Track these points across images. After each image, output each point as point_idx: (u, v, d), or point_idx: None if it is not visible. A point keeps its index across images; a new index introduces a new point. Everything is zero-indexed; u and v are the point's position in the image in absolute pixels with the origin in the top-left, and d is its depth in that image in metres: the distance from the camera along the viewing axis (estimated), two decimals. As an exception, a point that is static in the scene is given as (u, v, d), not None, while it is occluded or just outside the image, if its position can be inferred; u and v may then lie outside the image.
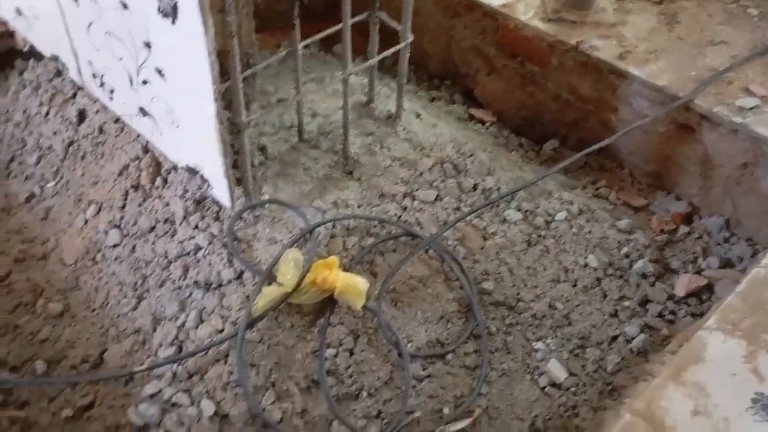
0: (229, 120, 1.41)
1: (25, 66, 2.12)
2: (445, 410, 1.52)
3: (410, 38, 1.76)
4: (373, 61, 1.76)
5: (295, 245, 1.56)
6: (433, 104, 2.39)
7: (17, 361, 1.59)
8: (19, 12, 1.92)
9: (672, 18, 2.26)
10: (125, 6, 1.40)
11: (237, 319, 1.49)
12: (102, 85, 1.72)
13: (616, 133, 2.13)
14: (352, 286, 1.47)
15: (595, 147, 1.92)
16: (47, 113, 1.97)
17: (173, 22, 1.28)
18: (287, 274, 1.46)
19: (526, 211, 1.84)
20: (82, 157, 1.87)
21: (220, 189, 1.54)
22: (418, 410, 1.50)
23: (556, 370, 1.60)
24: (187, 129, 1.49)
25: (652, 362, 1.62)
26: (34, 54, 2.08)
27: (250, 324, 1.45)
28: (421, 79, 2.60)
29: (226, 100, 1.39)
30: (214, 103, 1.32)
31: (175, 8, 1.24)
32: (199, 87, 1.34)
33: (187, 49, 1.29)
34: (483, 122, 2.39)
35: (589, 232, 1.85)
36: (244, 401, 1.40)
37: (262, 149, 1.79)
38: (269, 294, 1.45)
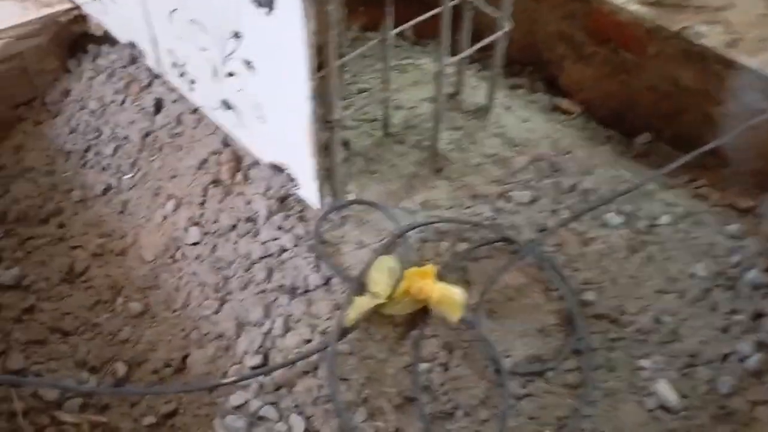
0: (320, 116, 1.31)
1: (98, 51, 2.06)
2: (546, 432, 1.41)
3: (509, 27, 1.62)
4: (469, 51, 1.64)
5: (385, 250, 1.46)
6: (514, 93, 2.25)
7: (97, 361, 1.55)
8: (94, -4, 1.86)
9: (785, 2, 2.06)
10: (214, -8, 1.31)
11: (326, 328, 1.41)
12: (182, 75, 1.64)
13: (718, 128, 1.96)
14: (449, 297, 1.37)
15: (710, 146, 1.76)
16: (123, 101, 1.91)
17: (269, 11, 1.17)
18: (380, 283, 1.37)
19: (627, 213, 1.70)
20: (160, 149, 1.81)
21: (307, 188, 1.44)
22: (518, 432, 1.39)
23: (666, 392, 1.47)
24: (275, 125, 1.40)
25: (768, 384, 1.48)
26: (108, 39, 2.02)
27: (341, 335, 1.36)
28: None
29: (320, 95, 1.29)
30: (310, 101, 1.22)
31: (273, -2, 1.14)
32: (292, 82, 1.24)
33: (283, 41, 1.19)
34: (569, 113, 2.24)
35: (696, 237, 1.69)
36: (336, 418, 1.32)
37: (345, 144, 1.69)
38: (362, 304, 1.35)
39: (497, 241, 1.55)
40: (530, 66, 2.43)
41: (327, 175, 1.49)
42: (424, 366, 1.40)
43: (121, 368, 1.52)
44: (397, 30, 1.55)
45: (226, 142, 1.68)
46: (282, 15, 1.16)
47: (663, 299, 1.60)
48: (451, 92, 1.82)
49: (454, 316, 1.39)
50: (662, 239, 1.67)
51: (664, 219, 1.70)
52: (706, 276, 1.63)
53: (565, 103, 2.28)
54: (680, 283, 1.62)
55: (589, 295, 1.56)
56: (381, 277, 1.37)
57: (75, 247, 1.77)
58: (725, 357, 1.55)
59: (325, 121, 1.32)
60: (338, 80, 1.54)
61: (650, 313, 1.58)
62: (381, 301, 1.36)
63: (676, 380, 1.50)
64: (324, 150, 1.40)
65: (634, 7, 2.00)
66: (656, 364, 1.52)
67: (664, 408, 1.47)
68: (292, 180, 1.48)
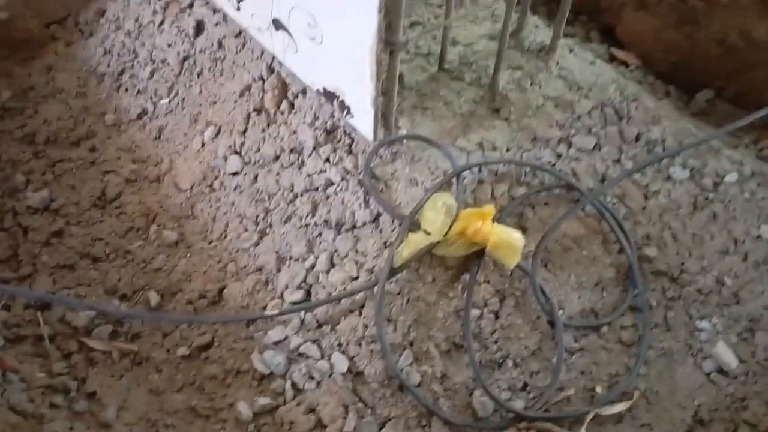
0: (384, 38, 1.21)
1: (136, -31, 1.95)
2: (598, 389, 1.34)
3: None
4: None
5: (439, 189, 1.37)
6: (572, 42, 2.12)
7: (129, 289, 1.48)
8: None
9: None
10: None
11: (373, 266, 1.33)
12: (230, -8, 1.53)
13: (788, 86, 1.85)
14: (508, 241, 1.28)
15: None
16: (161, 23, 1.81)
17: None
18: (435, 221, 1.28)
19: (693, 168, 1.59)
20: (199, 74, 1.71)
21: (361, 118, 1.35)
22: (570, 387, 1.32)
23: (725, 355, 1.39)
24: (332, 46, 1.30)
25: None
26: (146, -44, 1.90)
27: (391, 274, 1.28)
28: (552, 12, 2.31)
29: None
30: (377, 15, 1.11)
31: None
32: (359, -4, 1.14)
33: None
34: (626, 65, 2.12)
35: (763, 198, 1.59)
36: (381, 360, 1.25)
37: (399, 78, 1.58)
38: (416, 242, 1.27)
39: (558, 188, 1.46)
40: (585, 15, 2.29)
41: (383, 105, 1.39)
42: (474, 312, 1.33)
43: (153, 297, 1.45)
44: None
45: (272, 68, 1.58)
46: None
47: (726, 260, 1.51)
48: (512, 30, 1.70)
49: (511, 261, 1.30)
50: (728, 198, 1.57)
51: (730, 177, 1.60)
52: (771, 239, 1.54)
53: (622, 54, 2.15)
54: (744, 245, 1.53)
55: (650, 251, 1.47)
56: (436, 216, 1.28)
57: (107, 172, 1.70)
58: (787, 324, 1.47)
59: (386, 42, 1.22)
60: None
61: (712, 273, 1.49)
62: (436, 239, 1.28)
63: (735, 344, 1.42)
64: (384, 75, 1.30)
65: (710, -49, 1.86)
66: (715, 326, 1.44)
67: (722, 372, 1.39)
68: (344, 108, 1.38)
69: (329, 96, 1.40)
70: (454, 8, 1.58)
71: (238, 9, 1.55)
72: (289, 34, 1.41)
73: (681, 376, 1.38)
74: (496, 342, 1.32)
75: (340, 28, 1.25)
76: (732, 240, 1.53)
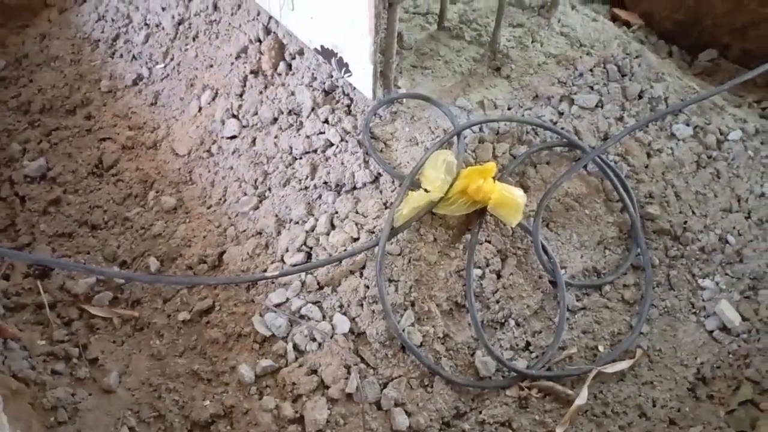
0: (380, -9, 1.18)
1: (128, -68, 1.90)
2: (600, 348, 1.34)
3: None
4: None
5: (439, 148, 1.35)
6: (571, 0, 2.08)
7: (128, 256, 1.47)
8: None
9: None
10: None
11: (374, 227, 1.32)
12: (224, -50, 1.50)
13: (793, 43, 1.81)
14: (511, 199, 1.27)
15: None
16: (155, -14, 1.77)
17: None
18: (436, 179, 1.26)
19: (696, 126, 1.57)
20: (195, 37, 1.68)
21: (360, 75, 1.32)
22: (572, 346, 1.32)
23: (728, 313, 1.39)
24: (329, 0, 1.26)
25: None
26: None
27: (392, 234, 1.27)
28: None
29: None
30: (374, -33, 1.08)
31: None
32: (354, -53, 1.11)
33: None
34: (628, 24, 2.08)
35: (766, 156, 1.57)
36: (383, 320, 1.24)
37: (397, 37, 1.55)
38: (416, 200, 1.26)
39: (559, 146, 1.44)
40: (586, -26, 2.25)
41: (382, 62, 1.36)
42: (476, 272, 1.32)
43: (153, 263, 1.44)
44: None
45: (268, 29, 1.55)
46: None
47: (729, 218, 1.49)
48: (511, -13, 1.67)
49: (513, 220, 1.29)
50: (731, 155, 1.55)
51: (734, 135, 1.58)
52: (776, 197, 1.52)
53: (624, 14, 2.11)
54: (748, 203, 1.51)
55: (652, 209, 1.46)
56: (436, 174, 1.27)
57: (104, 140, 1.68)
58: (791, 282, 1.46)
59: (385, -4, 1.19)
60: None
61: (715, 231, 1.48)
62: (436, 197, 1.26)
63: (738, 302, 1.41)
64: (382, 30, 1.27)
65: None
66: (718, 284, 1.43)
67: (724, 329, 1.39)
68: (343, 66, 1.35)
69: (327, 54, 1.37)
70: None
71: (232, -31, 1.52)
72: (285, -8, 1.38)
73: (683, 334, 1.38)
74: (498, 302, 1.31)
75: (337, -18, 1.23)
76: (735, 198, 1.52)
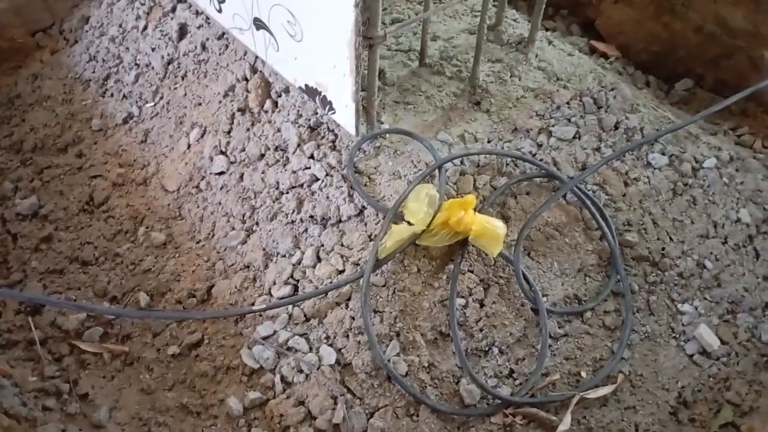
0: (362, 33, 1.23)
1: (118, -24, 1.97)
2: (583, 374, 1.36)
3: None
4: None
5: (422, 181, 1.39)
6: (551, 35, 2.15)
7: (118, 291, 1.50)
8: None
9: None
10: None
11: (359, 259, 1.35)
12: (211, -6, 1.55)
13: (765, 72, 1.87)
14: (491, 230, 1.30)
15: (753, 88, 1.67)
16: (145, 28, 1.83)
17: None
18: (419, 212, 1.30)
19: (672, 155, 1.62)
20: (183, 77, 1.73)
21: (343, 113, 1.37)
22: (555, 372, 1.34)
23: (708, 337, 1.42)
24: (312, 42, 1.32)
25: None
26: (128, -38, 1.92)
27: (376, 266, 1.30)
28: (531, 5, 2.34)
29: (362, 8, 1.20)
30: (354, 10, 1.13)
31: None
32: (334, -9, 1.16)
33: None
34: (606, 56, 2.15)
35: (741, 183, 1.62)
36: (368, 350, 1.27)
37: (380, 74, 1.61)
38: (400, 233, 1.29)
39: (538, 177, 1.48)
40: (565, 9, 2.32)
41: (364, 100, 1.41)
42: (459, 301, 1.35)
43: (143, 298, 1.46)
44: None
45: (255, 68, 1.60)
46: None
47: (706, 244, 1.53)
48: (490, 24, 1.73)
49: (494, 250, 1.33)
50: (707, 183, 1.60)
51: (709, 162, 1.62)
52: (751, 222, 1.56)
53: (602, 46, 2.18)
54: (724, 229, 1.56)
55: (631, 237, 1.50)
56: (419, 207, 1.30)
57: (95, 177, 1.71)
58: (767, 305, 1.49)
59: (365, 37, 1.24)
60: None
61: (692, 257, 1.51)
62: (419, 230, 1.30)
63: (717, 326, 1.45)
64: (364, 69, 1.32)
65: (685, -58, 1.88)
66: (697, 309, 1.47)
67: (704, 353, 1.42)
68: (326, 104, 1.40)
69: (311, 92, 1.42)
70: (432, 2, 1.60)
71: (220, 10, 1.57)
72: (270, 32, 1.43)
73: (664, 358, 1.41)
74: (481, 330, 1.34)
75: (319, 24, 1.28)
76: (712, 224, 1.56)
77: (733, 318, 1.47)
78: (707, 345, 1.41)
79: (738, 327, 1.46)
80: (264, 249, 1.44)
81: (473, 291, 1.36)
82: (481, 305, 1.36)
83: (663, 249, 1.51)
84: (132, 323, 1.42)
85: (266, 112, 1.57)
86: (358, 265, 1.35)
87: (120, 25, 1.89)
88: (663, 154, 1.61)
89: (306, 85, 1.42)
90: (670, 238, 1.53)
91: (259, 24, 1.45)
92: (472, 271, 1.38)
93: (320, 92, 1.39)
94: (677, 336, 1.44)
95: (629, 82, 2.03)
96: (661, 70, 2.11)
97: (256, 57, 1.59)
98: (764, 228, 1.57)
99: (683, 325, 1.45)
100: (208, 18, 1.70)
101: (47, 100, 1.90)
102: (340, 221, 1.41)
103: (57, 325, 1.42)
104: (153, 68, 1.78)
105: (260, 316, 1.35)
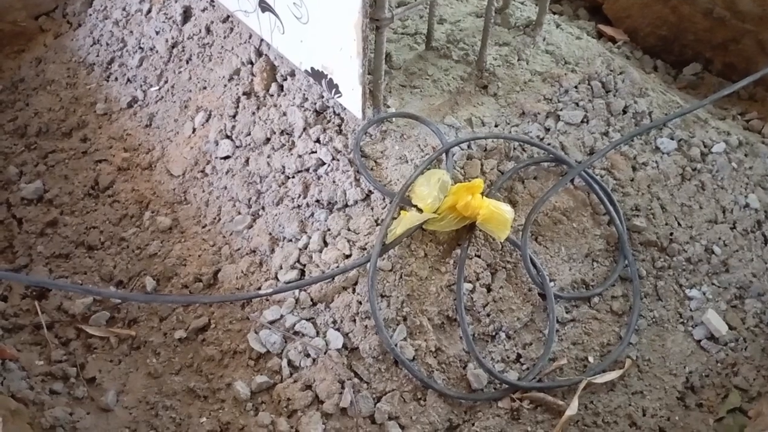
0: (369, 14, 1.21)
1: (122, -42, 1.95)
2: (590, 359, 1.36)
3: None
4: (522, -44, 1.52)
5: (430, 166, 1.38)
6: (559, 18, 2.13)
7: (124, 276, 1.49)
8: None
9: None
10: None
11: (366, 244, 1.35)
12: (215, -24, 1.53)
13: (774, 56, 1.86)
14: (499, 214, 1.29)
15: (762, 73, 1.65)
16: (149, 11, 1.81)
17: None
18: (428, 197, 1.29)
19: (681, 140, 1.61)
20: (188, 60, 1.71)
21: (350, 96, 1.36)
22: (562, 357, 1.34)
23: (716, 322, 1.41)
24: (318, 24, 1.30)
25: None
26: (132, -56, 1.90)
27: (383, 250, 1.30)
28: (540, -10, 2.32)
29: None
30: (361, -10, 1.12)
31: None
32: (342, -27, 1.14)
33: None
34: (613, 41, 2.13)
35: (750, 168, 1.61)
36: (375, 335, 1.27)
37: (386, 57, 1.59)
38: (410, 220, 1.28)
39: (546, 161, 1.47)
40: (572, -8, 2.30)
41: (370, 83, 1.39)
42: (467, 286, 1.34)
43: (149, 282, 1.46)
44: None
45: (260, 52, 1.58)
46: None
47: (714, 229, 1.52)
48: (498, 7, 1.71)
49: (502, 234, 1.32)
50: (716, 168, 1.59)
51: (718, 147, 1.61)
52: (759, 207, 1.55)
53: (609, 30, 2.16)
54: (733, 214, 1.55)
55: (639, 222, 1.49)
56: (429, 191, 1.29)
57: (100, 161, 1.70)
58: (776, 291, 1.49)
59: (372, 19, 1.23)
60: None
61: (701, 242, 1.51)
62: (429, 216, 1.29)
63: (725, 311, 1.44)
64: (371, 52, 1.30)
65: (694, -77, 1.86)
66: (705, 294, 1.46)
67: (712, 339, 1.41)
68: (333, 87, 1.38)
69: (317, 75, 1.41)
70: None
71: (224, -7, 1.55)
72: (276, 14, 1.42)
73: (672, 343, 1.40)
74: (488, 315, 1.34)
75: (326, 5, 1.26)
76: (720, 209, 1.55)
77: (741, 303, 1.47)
78: (715, 330, 1.40)
79: (746, 312, 1.45)
80: (270, 233, 1.44)
81: (480, 276, 1.35)
82: (489, 290, 1.36)
83: (671, 234, 1.50)
84: (138, 307, 1.42)
85: (272, 95, 1.55)
86: (364, 249, 1.34)
87: (124, 9, 1.87)
88: (672, 138, 1.60)
89: (312, 68, 1.41)
90: (679, 224, 1.52)
91: (264, 6, 1.43)
92: (479, 256, 1.37)
93: (326, 75, 1.37)
94: (685, 321, 1.44)
95: (637, 66, 2.01)
96: (668, 54, 2.09)
97: (261, 40, 1.57)
98: (773, 213, 1.56)
99: (691, 310, 1.45)
100: (212, 0, 1.69)
101: (51, 84, 1.88)
102: (346, 206, 1.40)
103: (63, 309, 1.42)
104: (157, 52, 1.77)
105: (267, 300, 1.35)
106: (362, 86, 1.30)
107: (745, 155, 1.63)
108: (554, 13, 2.15)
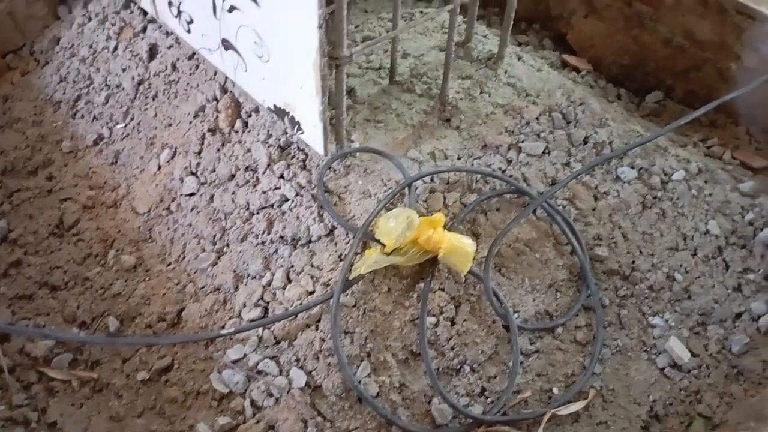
0: (327, 53, 1.23)
1: (89, -4, 1.96)
2: (555, 390, 1.37)
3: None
4: (480, -7, 1.55)
5: (392, 200, 1.39)
6: (521, 50, 2.17)
7: (88, 316, 1.48)
8: (85, -65, 1.76)
9: (808, -49, 1.98)
10: None
11: (329, 279, 1.35)
12: (179, 14, 1.55)
13: (733, 84, 1.90)
14: (459, 248, 1.30)
15: (722, 99, 1.69)
16: (115, 48, 1.82)
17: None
18: (390, 233, 1.30)
19: (641, 168, 1.64)
20: (154, 97, 1.72)
21: (312, 133, 1.37)
22: (527, 389, 1.34)
23: (678, 350, 1.43)
24: (279, 63, 1.32)
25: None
26: (99, -17, 1.92)
27: (346, 286, 1.30)
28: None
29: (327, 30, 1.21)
30: (318, 31, 1.14)
31: None
32: (300, 12, 1.16)
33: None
34: (577, 70, 2.17)
35: (710, 194, 1.64)
36: (338, 372, 1.26)
37: (350, 92, 1.62)
38: (374, 261, 1.29)
39: (508, 193, 1.49)
40: (537, 23, 2.34)
41: (331, 120, 1.41)
42: (430, 320, 1.35)
43: (112, 323, 1.45)
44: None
45: (225, 88, 1.60)
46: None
47: (675, 256, 1.54)
48: (459, 41, 1.74)
49: (464, 268, 1.33)
50: (676, 195, 1.61)
51: (678, 175, 1.64)
52: (720, 234, 1.58)
53: (573, 60, 2.20)
54: (693, 241, 1.57)
55: (601, 251, 1.51)
56: (395, 227, 1.30)
57: (65, 200, 1.70)
58: (737, 316, 1.50)
59: (331, 57, 1.24)
60: (346, 14, 1.45)
61: (662, 270, 1.53)
62: (398, 259, 1.30)
63: (688, 338, 1.46)
64: (330, 90, 1.32)
65: (652, -44, 1.91)
66: (667, 321, 1.48)
67: (675, 366, 1.42)
68: (295, 124, 1.40)
69: (280, 113, 1.42)
70: (404, 21, 1.61)
71: (189, 31, 1.57)
72: (238, 53, 1.43)
73: (636, 372, 1.41)
74: (452, 348, 1.34)
75: (285, 45, 1.28)
76: (681, 236, 1.57)
77: (704, 330, 1.48)
78: (678, 358, 1.42)
79: (708, 339, 1.47)
80: (234, 271, 1.44)
81: (444, 309, 1.36)
82: (452, 323, 1.36)
83: (633, 262, 1.52)
84: (101, 349, 1.41)
85: (236, 132, 1.56)
86: (328, 285, 1.34)
87: (90, 46, 1.88)
88: (632, 167, 1.63)
89: (275, 106, 1.42)
90: (640, 252, 1.54)
91: (227, 45, 1.45)
92: (443, 289, 1.38)
93: (288, 112, 1.39)
94: (648, 349, 1.45)
95: (601, 95, 2.05)
96: (632, 82, 2.13)
97: (226, 77, 1.58)
98: (733, 239, 1.59)
99: (654, 338, 1.46)
100: (177, 38, 1.70)
101: (17, 122, 1.88)
102: (310, 241, 1.40)
103: (26, 352, 1.40)
104: (123, 89, 1.77)
105: (230, 339, 1.34)
106: (323, 123, 1.32)
107: (705, 182, 1.66)
108: (520, 44, 2.20)
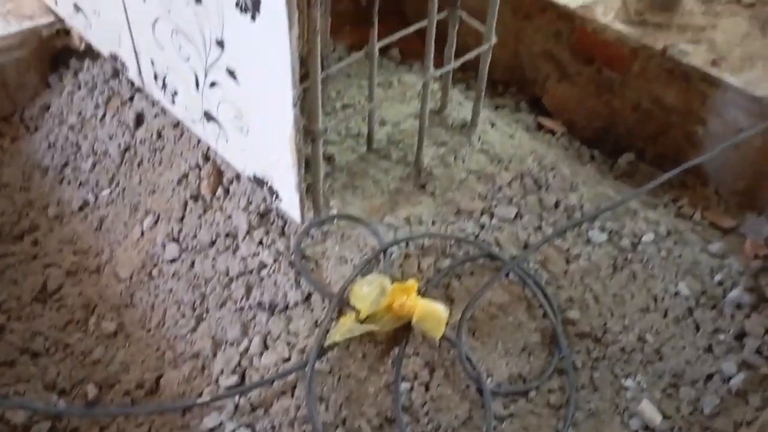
0: (303, 127, 1.29)
1: (80, 66, 2.04)
2: (529, 454, 1.38)
3: (494, 40, 1.62)
4: (453, 65, 1.63)
5: (368, 266, 1.43)
6: (499, 113, 2.25)
7: (67, 383, 1.49)
8: (77, 8, 1.84)
9: (766, 23, 2.08)
10: (198, 0, 1.29)
11: (305, 346, 1.37)
12: (164, 87, 1.61)
13: (700, 147, 1.97)
14: (432, 313, 1.34)
15: (690, 163, 1.76)
16: (103, 116, 1.88)
17: (253, 18, 1.16)
18: (365, 300, 1.33)
19: (611, 231, 1.69)
20: (139, 164, 1.77)
21: (289, 202, 1.42)
22: (501, 454, 1.36)
23: (650, 412, 1.45)
24: (257, 136, 1.38)
25: (752, 405, 1.47)
26: (90, 54, 1.99)
27: (322, 353, 1.33)
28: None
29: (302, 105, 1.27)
30: (293, 109, 1.20)
31: (256, 3, 1.13)
32: (275, 90, 1.23)
33: (267, 49, 1.18)
34: (552, 132, 2.25)
35: (679, 256, 1.69)
36: (313, 439, 1.28)
37: (329, 159, 1.67)
38: (349, 330, 1.32)
39: (481, 258, 1.53)
40: (514, 86, 2.43)
41: (309, 189, 1.46)
42: (405, 385, 1.37)
43: (91, 390, 1.46)
44: (384, 43, 1.54)
45: (208, 156, 1.65)
46: (266, 21, 1.15)
47: (646, 318, 1.58)
48: (435, 108, 1.81)
49: (437, 333, 1.36)
50: (646, 257, 1.66)
51: (647, 237, 1.69)
52: (690, 295, 1.62)
53: (548, 122, 2.28)
54: (664, 302, 1.61)
55: (573, 314, 1.54)
56: (366, 294, 1.34)
57: (48, 265, 1.73)
58: (709, 377, 1.53)
59: (307, 131, 1.30)
60: (322, 91, 1.53)
61: (634, 331, 1.56)
62: (371, 327, 1.33)
63: (660, 400, 1.48)
64: (306, 162, 1.38)
65: (619, 27, 2.01)
66: (640, 383, 1.50)
67: (647, 429, 1.44)
68: (273, 193, 1.45)
69: (259, 182, 1.47)
70: (381, 89, 1.68)
71: (173, 102, 1.63)
72: (219, 125, 1.49)
73: (609, 435, 1.43)
74: (427, 414, 1.36)
75: (262, 120, 1.34)
76: (652, 298, 1.61)
77: (676, 391, 1.51)
78: (649, 420, 1.44)
79: (680, 400, 1.49)
80: (213, 337, 1.46)
81: (419, 374, 1.38)
82: (427, 388, 1.38)
83: (605, 324, 1.55)
84: (80, 417, 1.42)
85: (218, 199, 1.61)
86: (303, 352, 1.37)
87: (79, 113, 1.94)
88: (602, 230, 1.68)
89: (254, 175, 1.47)
90: (612, 314, 1.57)
91: (209, 116, 1.51)
92: (417, 355, 1.40)
93: (267, 182, 1.44)
94: (621, 412, 1.47)
95: (575, 157, 2.12)
96: (605, 144, 2.20)
97: (209, 146, 1.64)
98: (703, 300, 1.63)
99: (627, 400, 1.48)
100: (163, 107, 1.76)
101: (6, 188, 1.93)
102: (287, 307, 1.44)
103: (6, 419, 1.41)
104: (110, 156, 1.83)
105: (207, 407, 1.36)
106: (299, 193, 1.37)
107: (675, 243, 1.71)
108: (497, 107, 2.28)
